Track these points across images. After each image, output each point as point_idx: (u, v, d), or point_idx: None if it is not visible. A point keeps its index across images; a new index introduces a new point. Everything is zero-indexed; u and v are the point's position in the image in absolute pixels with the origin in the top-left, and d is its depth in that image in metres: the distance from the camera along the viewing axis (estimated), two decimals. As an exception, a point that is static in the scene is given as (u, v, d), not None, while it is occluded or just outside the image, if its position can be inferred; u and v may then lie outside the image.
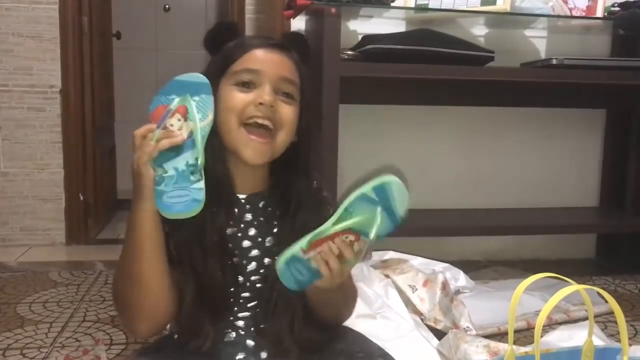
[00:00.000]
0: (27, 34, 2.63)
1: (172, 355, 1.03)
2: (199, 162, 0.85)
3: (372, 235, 0.83)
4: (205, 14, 4.32)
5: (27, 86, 2.65)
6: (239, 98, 0.92)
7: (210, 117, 0.87)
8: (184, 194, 0.86)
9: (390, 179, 0.83)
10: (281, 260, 0.86)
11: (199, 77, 0.87)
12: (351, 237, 0.84)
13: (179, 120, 0.85)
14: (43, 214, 2.72)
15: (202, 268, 0.94)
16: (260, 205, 0.99)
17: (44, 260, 2.41)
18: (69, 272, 2.24)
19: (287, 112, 0.93)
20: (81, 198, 2.78)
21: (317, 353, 1.01)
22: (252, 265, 0.97)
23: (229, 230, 0.96)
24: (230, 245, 0.96)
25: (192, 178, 0.86)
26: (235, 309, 0.98)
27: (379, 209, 0.83)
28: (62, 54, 2.66)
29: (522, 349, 1.33)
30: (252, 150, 0.91)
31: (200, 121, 0.86)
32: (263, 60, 0.93)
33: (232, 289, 0.97)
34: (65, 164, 2.72)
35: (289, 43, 0.99)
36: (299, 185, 0.98)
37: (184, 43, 4.28)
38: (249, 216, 0.98)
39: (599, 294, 0.91)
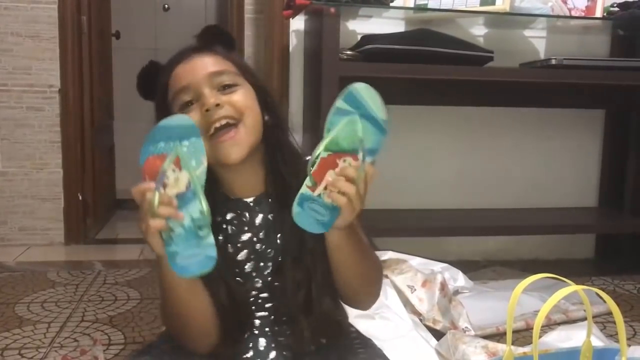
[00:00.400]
0: (26, 34, 2.62)
1: (173, 354, 1.04)
2: (205, 214, 0.80)
3: (364, 146, 0.82)
4: (204, 14, 4.32)
5: (26, 86, 2.65)
6: (191, 117, 0.88)
7: (204, 162, 0.81)
8: (196, 253, 0.81)
9: (356, 84, 0.82)
10: (295, 204, 0.84)
11: (184, 120, 0.82)
12: (348, 159, 0.83)
13: (174, 171, 0.79)
14: (42, 213, 2.72)
15: (220, 292, 0.94)
16: (268, 204, 0.98)
17: (42, 260, 2.41)
18: (68, 272, 2.23)
19: (237, 98, 0.91)
20: (80, 198, 2.78)
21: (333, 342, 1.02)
22: (269, 265, 0.97)
23: (244, 237, 0.97)
24: (246, 251, 0.97)
25: (200, 233, 0.80)
26: (253, 307, 0.98)
27: (356, 116, 0.81)
28: (61, 53, 2.66)
29: (521, 349, 1.33)
30: (226, 149, 0.89)
31: (195, 169, 0.80)
32: (184, 73, 0.92)
33: (251, 299, 0.98)
34: (64, 164, 2.72)
35: (205, 42, 0.97)
36: (292, 168, 0.97)
37: (183, 43, 4.23)
38: (259, 218, 0.98)
39: (597, 294, 0.90)
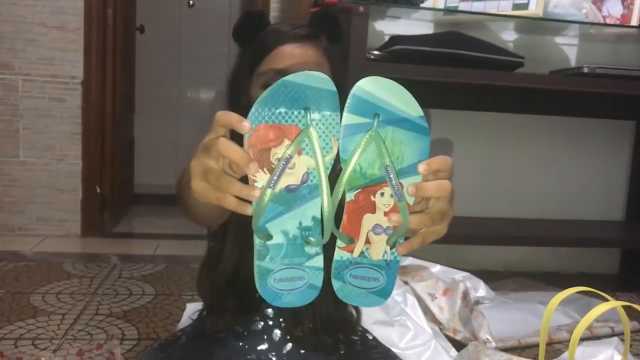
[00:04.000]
0: (52, 24, 2.62)
1: (188, 348, 1.03)
2: (326, 220, 0.58)
3: (402, 162, 0.59)
4: (229, 11, 4.30)
5: (49, 76, 2.64)
6: None
7: (335, 149, 0.58)
8: (296, 276, 0.61)
9: (360, 83, 0.58)
10: (332, 278, 0.64)
11: (322, 80, 0.56)
12: (387, 189, 0.60)
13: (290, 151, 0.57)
14: (59, 204, 2.71)
15: (240, 256, 0.94)
16: None
17: (58, 251, 2.40)
18: (83, 264, 2.22)
19: None
20: (98, 190, 2.77)
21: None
22: None
23: None
24: None
25: (307, 249, 0.61)
26: None
27: (375, 123, 0.57)
28: (86, 45, 2.66)
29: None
30: None
31: (324, 155, 0.57)
32: (289, 57, 0.91)
33: None
34: (84, 156, 2.71)
35: (316, 28, 0.96)
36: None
37: (207, 40, 4.27)
38: None
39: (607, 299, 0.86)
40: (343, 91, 0.96)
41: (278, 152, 0.57)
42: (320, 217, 0.60)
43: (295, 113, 0.56)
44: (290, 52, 0.91)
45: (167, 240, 2.69)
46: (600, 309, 0.77)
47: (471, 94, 2.14)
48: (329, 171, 0.58)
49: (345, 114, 0.58)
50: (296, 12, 2.40)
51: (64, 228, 2.72)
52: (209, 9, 4.29)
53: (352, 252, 0.63)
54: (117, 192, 3.05)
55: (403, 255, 0.64)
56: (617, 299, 2.17)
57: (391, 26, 2.18)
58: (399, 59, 1.89)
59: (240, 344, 1.02)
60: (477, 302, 1.88)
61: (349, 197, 0.60)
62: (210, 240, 1.05)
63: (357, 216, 0.61)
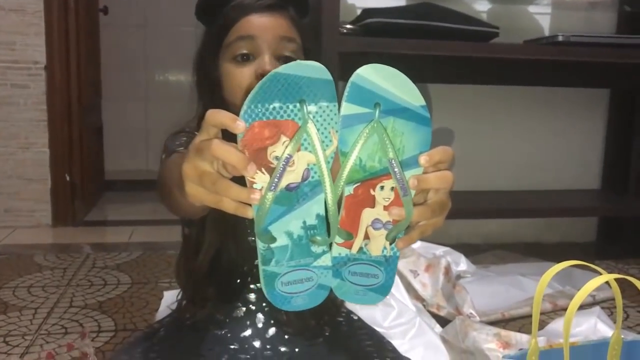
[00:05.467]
0: (9, 7, 2.52)
1: (167, 341, 1.00)
2: (332, 219, 0.55)
3: (402, 154, 0.56)
4: (195, -10, 4.20)
5: (10, 62, 2.55)
6: (239, 73, 0.86)
7: (335, 141, 0.55)
8: (305, 278, 0.59)
9: (360, 70, 0.54)
10: (330, 276, 0.61)
11: (316, 69, 0.53)
12: (387, 182, 0.57)
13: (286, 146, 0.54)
14: (28, 194, 2.63)
15: (221, 243, 0.92)
16: None
17: (29, 243, 2.33)
18: (55, 255, 2.15)
19: None
20: (67, 178, 2.70)
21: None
22: None
23: None
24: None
25: (313, 249, 0.58)
26: (249, 279, 0.95)
27: (376, 113, 0.54)
28: (47, 28, 2.56)
29: (526, 337, 1.28)
30: None
31: (324, 149, 0.54)
32: (257, 24, 0.87)
33: (245, 268, 0.95)
34: (51, 144, 2.63)
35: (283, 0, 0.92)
36: None
37: (173, 20, 4.16)
38: None
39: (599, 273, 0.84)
40: (313, 59, 0.93)
41: (275, 150, 0.53)
42: (324, 214, 0.57)
43: (291, 107, 0.53)
44: (257, 20, 0.87)
45: (141, 227, 2.63)
46: (594, 283, 0.75)
47: (446, 66, 2.11)
48: (330, 165, 0.55)
49: (344, 103, 0.54)
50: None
51: (33, 218, 2.64)
52: (174, -12, 4.17)
53: (350, 248, 0.60)
54: (88, 180, 2.98)
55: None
56: (595, 266, 2.17)
57: (363, -1, 2.14)
58: (372, 33, 1.85)
59: (223, 332, 0.99)
60: (459, 276, 1.87)
61: (348, 191, 0.57)
62: (186, 227, 1.00)
63: (356, 211, 0.58)
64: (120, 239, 2.41)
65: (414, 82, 0.55)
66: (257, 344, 0.98)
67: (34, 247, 2.27)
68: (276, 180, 0.53)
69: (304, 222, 0.57)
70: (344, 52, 1.77)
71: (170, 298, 1.58)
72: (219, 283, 0.97)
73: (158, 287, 1.81)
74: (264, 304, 0.98)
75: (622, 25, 2.32)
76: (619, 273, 2.14)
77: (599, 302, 1.72)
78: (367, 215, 0.58)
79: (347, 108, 0.54)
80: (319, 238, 0.58)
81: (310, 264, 0.59)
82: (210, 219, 0.93)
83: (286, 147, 0.53)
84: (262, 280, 0.58)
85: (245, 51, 0.86)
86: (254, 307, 0.98)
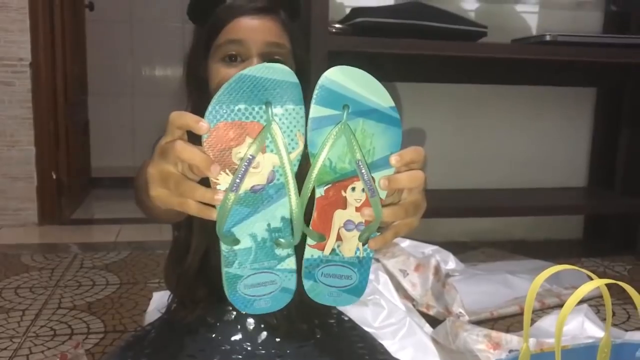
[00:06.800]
0: (-7, 3, 2.49)
1: (158, 343, 1.00)
2: (295, 221, 0.56)
3: (373, 155, 0.56)
4: (181, -15, 4.17)
5: (-6, 59, 2.51)
6: (226, 74, 0.86)
7: (301, 144, 0.55)
8: (268, 281, 0.59)
9: (327, 73, 0.54)
10: (303, 277, 0.62)
11: (282, 71, 0.53)
12: (358, 183, 0.57)
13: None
14: (14, 193, 2.60)
15: (209, 245, 0.92)
16: None
17: (15, 243, 2.31)
18: (42, 255, 2.13)
19: None
20: (54, 176, 2.67)
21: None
22: None
23: None
24: None
25: (277, 252, 0.58)
26: None
27: (345, 115, 0.54)
28: (32, 24, 2.53)
29: (516, 336, 1.29)
30: None
31: (289, 152, 0.54)
32: (246, 28, 0.87)
33: None
34: (37, 141, 2.60)
35: (275, 2, 0.92)
36: None
37: (159, 15, 4.13)
38: None
39: (589, 276, 0.85)
40: (304, 70, 0.94)
41: (240, 152, 0.53)
42: (289, 216, 0.57)
43: (256, 109, 0.53)
44: (247, 23, 0.87)
45: (129, 225, 2.60)
46: (585, 289, 0.76)
47: (435, 65, 2.11)
48: (296, 168, 0.55)
49: (312, 105, 0.55)
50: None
51: (20, 217, 2.62)
52: (160, -17, 4.14)
53: (323, 249, 0.60)
54: (74, 177, 2.95)
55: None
56: (582, 264, 2.20)
57: (352, -3, 2.13)
58: (362, 32, 1.85)
59: (213, 335, 0.99)
60: (448, 274, 1.88)
61: (319, 192, 0.57)
62: (175, 230, 1.00)
63: (328, 212, 0.58)
64: (108, 238, 2.39)
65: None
66: (248, 347, 0.98)
67: (21, 247, 2.25)
68: (237, 181, 0.53)
69: (269, 225, 0.57)
70: (333, 51, 1.77)
71: (159, 299, 1.58)
72: (208, 285, 0.97)
73: (147, 288, 1.80)
74: None
75: (608, 24, 2.33)
76: (605, 270, 2.16)
77: (586, 300, 1.74)
78: (339, 216, 0.59)
79: (315, 110, 0.54)
80: (283, 241, 0.58)
81: (274, 267, 0.59)
82: (198, 221, 0.93)
83: (249, 148, 0.53)
84: (224, 282, 0.58)
85: (233, 53, 0.86)
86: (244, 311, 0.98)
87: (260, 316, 0.98)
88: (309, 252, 0.60)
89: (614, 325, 1.62)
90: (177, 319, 1.01)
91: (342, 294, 0.62)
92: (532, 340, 1.23)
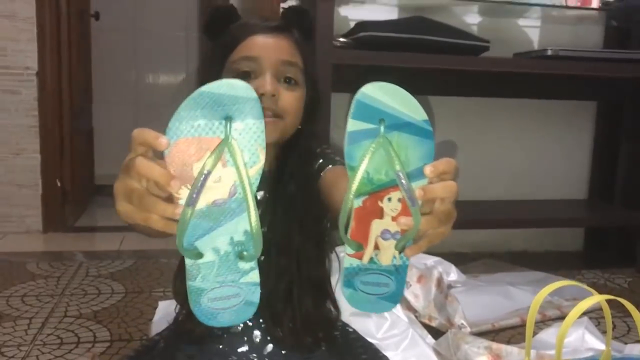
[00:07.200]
0: (1, 13, 2.51)
1: (167, 354, 1.02)
2: (254, 236, 0.57)
3: (408, 166, 0.57)
4: (185, -5, 4.21)
5: (2, 67, 2.54)
6: None
7: (262, 158, 0.57)
8: (231, 294, 0.60)
9: (364, 89, 0.56)
10: (342, 286, 0.64)
11: (243, 89, 0.55)
12: (394, 194, 0.59)
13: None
14: (19, 200, 2.62)
15: None
16: (267, 182, 0.94)
17: (21, 251, 2.32)
18: (48, 263, 2.15)
19: (290, 100, 0.89)
20: (58, 184, 2.69)
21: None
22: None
23: None
24: None
25: (241, 265, 0.59)
26: None
27: (381, 129, 0.56)
28: (39, 34, 2.56)
29: (517, 348, 1.31)
30: None
31: (249, 166, 0.56)
32: (261, 46, 0.89)
33: None
34: (42, 149, 2.63)
35: (289, 22, 0.95)
36: (292, 164, 0.95)
37: (163, 25, 4.17)
38: (260, 194, 0.95)
39: (588, 289, 0.87)
40: (315, 87, 0.96)
41: (198, 165, 0.55)
42: (251, 232, 0.58)
43: (216, 124, 0.54)
44: (261, 41, 0.89)
45: (132, 233, 2.61)
46: (585, 304, 0.78)
47: (438, 79, 2.14)
48: (257, 182, 0.57)
49: (349, 120, 0.56)
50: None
51: (24, 224, 2.64)
52: (165, -7, 4.18)
53: (361, 258, 0.62)
54: (78, 185, 2.97)
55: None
56: (582, 276, 2.22)
57: (356, 11, 2.16)
58: (366, 46, 1.88)
59: (220, 346, 1.00)
60: (449, 286, 1.90)
61: (357, 203, 0.59)
62: None
63: (365, 222, 0.60)
64: (112, 246, 2.41)
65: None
66: (254, 358, 1.00)
67: (27, 254, 2.27)
68: (194, 195, 0.53)
69: (232, 239, 0.58)
70: (337, 64, 1.79)
71: (164, 308, 1.60)
72: None
73: (152, 297, 1.82)
74: (260, 320, 1.00)
75: (608, 38, 2.36)
76: (605, 282, 2.18)
77: (587, 312, 1.75)
78: (376, 226, 0.60)
79: (353, 124, 0.56)
80: (246, 254, 0.59)
81: (237, 280, 0.59)
82: None
83: (205, 162, 0.54)
84: (188, 295, 0.60)
85: (247, 69, 0.88)
86: (251, 324, 1.00)
87: (267, 329, 1.00)
88: (348, 261, 0.62)
89: (614, 338, 1.63)
90: (184, 330, 1.02)
91: (381, 301, 0.64)
92: (532, 352, 1.24)
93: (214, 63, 0.93)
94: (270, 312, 0.97)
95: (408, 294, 1.65)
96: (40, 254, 2.30)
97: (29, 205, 2.64)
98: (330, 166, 0.94)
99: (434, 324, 1.61)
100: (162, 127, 0.66)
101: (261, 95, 0.85)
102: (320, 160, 0.95)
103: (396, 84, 0.57)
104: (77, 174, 2.94)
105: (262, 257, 0.92)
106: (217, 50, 0.94)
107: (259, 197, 0.94)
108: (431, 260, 1.92)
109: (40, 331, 1.57)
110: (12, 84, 2.55)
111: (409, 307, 1.64)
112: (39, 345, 1.49)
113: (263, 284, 0.91)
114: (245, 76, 0.88)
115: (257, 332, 1.00)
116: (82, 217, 3.03)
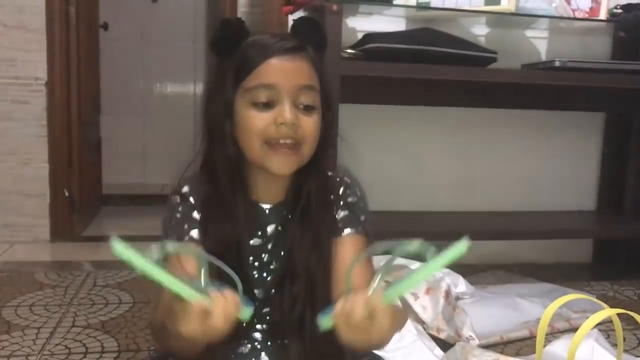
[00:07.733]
0: (12, 24, 2.53)
1: None
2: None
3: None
4: (193, 5, 4.24)
5: (11, 78, 2.56)
6: (259, 119, 0.86)
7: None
8: None
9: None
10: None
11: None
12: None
13: None
14: (27, 210, 2.64)
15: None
16: (282, 215, 0.94)
17: (29, 260, 2.33)
18: (56, 272, 2.16)
19: (309, 125, 0.88)
20: (66, 194, 2.70)
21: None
22: (269, 279, 0.94)
23: (253, 241, 0.93)
24: (252, 258, 0.93)
25: None
26: (254, 320, 0.95)
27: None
28: (48, 45, 2.58)
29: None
30: (278, 162, 0.87)
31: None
32: (278, 71, 0.87)
33: None
34: (50, 159, 2.64)
35: (303, 37, 0.92)
36: (310, 187, 0.93)
37: (172, 35, 4.20)
38: (271, 227, 0.94)
39: (596, 301, 0.87)
40: (329, 101, 0.95)
41: None
42: None
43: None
44: (279, 65, 0.87)
45: (139, 243, 2.61)
46: (597, 318, 0.78)
47: (446, 90, 2.14)
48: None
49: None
50: (266, 8, 2.36)
51: (32, 234, 2.65)
52: (173, 4, 4.21)
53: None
54: (86, 194, 2.99)
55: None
56: (591, 288, 2.20)
57: (364, 23, 2.17)
58: (374, 57, 1.88)
59: None
60: (458, 297, 1.89)
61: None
62: None
63: None
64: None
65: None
66: None
67: (35, 264, 2.27)
68: None
69: None
70: (345, 75, 1.80)
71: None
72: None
73: (159, 307, 1.81)
74: (268, 343, 0.99)
75: (616, 49, 2.36)
76: (614, 294, 2.17)
77: (596, 325, 1.74)
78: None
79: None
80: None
81: None
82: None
83: None
84: None
85: (265, 100, 0.86)
86: (259, 346, 0.98)
87: (275, 352, 0.98)
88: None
89: (624, 351, 1.62)
90: None
91: None
92: (542, 366, 1.23)
93: (226, 84, 0.90)
94: (280, 337, 0.96)
95: (416, 305, 1.65)
96: (48, 264, 2.31)
97: (37, 214, 2.65)
98: (350, 231, 0.95)
99: (442, 335, 1.60)
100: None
101: (281, 124, 0.85)
102: (344, 213, 0.95)
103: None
104: (85, 183, 2.95)
105: (273, 291, 0.92)
106: (228, 71, 0.90)
107: (269, 232, 0.94)
108: (439, 271, 1.92)
109: (48, 341, 1.57)
110: (22, 94, 2.57)
111: (417, 318, 1.63)
112: (47, 355, 1.49)
113: (275, 311, 0.91)
114: (265, 105, 0.87)
115: (264, 356, 0.98)
116: (90, 226, 3.04)
